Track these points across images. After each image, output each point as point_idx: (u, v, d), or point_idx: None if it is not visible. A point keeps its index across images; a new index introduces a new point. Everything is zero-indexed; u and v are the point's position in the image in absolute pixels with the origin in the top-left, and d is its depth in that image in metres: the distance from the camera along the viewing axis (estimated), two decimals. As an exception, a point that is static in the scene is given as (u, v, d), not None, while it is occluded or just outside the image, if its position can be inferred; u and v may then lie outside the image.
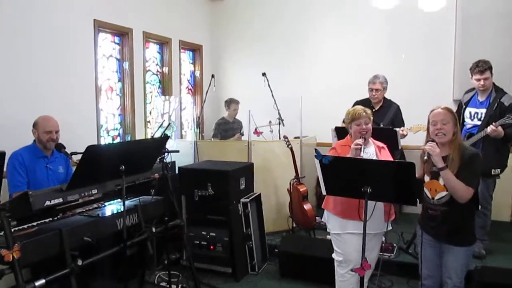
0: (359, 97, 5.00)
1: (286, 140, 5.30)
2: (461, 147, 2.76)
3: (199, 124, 6.51)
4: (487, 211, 4.32)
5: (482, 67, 4.18)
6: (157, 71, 6.54)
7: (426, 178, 2.84)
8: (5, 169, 3.24)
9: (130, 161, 2.91)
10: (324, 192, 2.86)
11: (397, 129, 4.37)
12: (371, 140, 3.31)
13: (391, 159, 3.28)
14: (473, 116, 4.32)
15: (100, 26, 5.32)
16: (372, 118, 3.27)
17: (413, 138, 4.40)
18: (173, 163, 4.96)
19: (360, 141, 3.08)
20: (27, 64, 4.41)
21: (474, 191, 2.68)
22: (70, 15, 4.86)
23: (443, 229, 2.79)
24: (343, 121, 3.57)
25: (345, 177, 2.67)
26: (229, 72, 7.46)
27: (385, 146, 3.36)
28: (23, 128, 3.83)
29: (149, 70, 6.31)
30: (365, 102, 4.93)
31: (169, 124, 5.05)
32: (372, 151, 3.27)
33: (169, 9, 6.45)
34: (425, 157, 2.77)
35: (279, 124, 6.00)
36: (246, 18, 7.25)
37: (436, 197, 2.79)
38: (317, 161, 2.73)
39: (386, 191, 2.59)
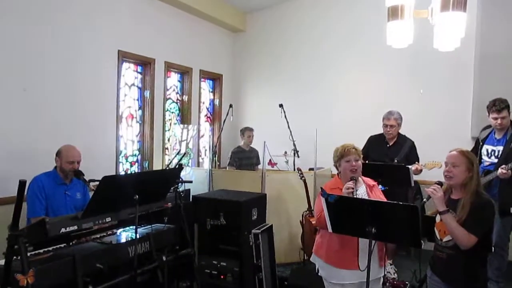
0: (374, 131, 5.03)
1: (299, 172, 5.33)
2: (477, 194, 2.68)
3: (216, 152, 6.66)
4: (504, 252, 4.21)
5: (499, 106, 4.17)
6: (177, 99, 6.66)
7: (438, 218, 2.78)
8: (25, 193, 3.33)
9: (144, 191, 2.93)
10: (330, 230, 2.86)
11: (410, 166, 4.35)
12: (361, 178, 3.23)
13: (382, 197, 3.19)
14: (490, 153, 4.26)
15: (124, 56, 5.47)
16: (361, 155, 3.21)
17: (431, 173, 4.36)
18: (188, 191, 5.00)
19: (351, 184, 2.99)
20: (50, 92, 4.50)
21: (479, 239, 2.59)
22: (96, 45, 4.99)
23: (449, 273, 2.71)
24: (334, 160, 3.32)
25: (349, 216, 2.68)
26: (247, 102, 7.61)
27: (375, 183, 3.28)
28: (45, 156, 3.93)
29: (169, 98, 6.43)
30: (379, 138, 4.95)
31: (186, 152, 5.12)
32: (363, 190, 3.17)
33: (191, 40, 6.58)
34: (425, 200, 2.77)
35: (294, 155, 6.06)
36: (266, 50, 7.40)
37: (444, 239, 2.75)
38: (323, 199, 2.76)
39: (391, 232, 2.57)
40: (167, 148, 6.27)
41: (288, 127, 6.00)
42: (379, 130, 4.99)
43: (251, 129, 6.33)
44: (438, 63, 5.96)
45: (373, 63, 6.45)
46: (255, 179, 5.35)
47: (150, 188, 3.09)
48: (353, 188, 2.94)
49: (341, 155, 3.14)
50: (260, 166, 6.11)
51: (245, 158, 6.30)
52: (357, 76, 6.62)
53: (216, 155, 6.63)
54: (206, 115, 7.40)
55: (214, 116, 7.51)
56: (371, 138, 4.98)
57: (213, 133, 7.30)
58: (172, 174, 3.52)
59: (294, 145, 6.02)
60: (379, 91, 6.41)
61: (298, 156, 6.03)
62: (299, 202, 5.26)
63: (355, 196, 2.90)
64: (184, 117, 6.66)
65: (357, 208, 2.66)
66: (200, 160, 6.95)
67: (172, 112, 6.56)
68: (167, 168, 5.11)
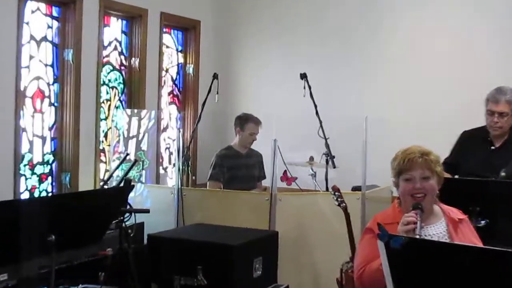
0: (471, 123, 5.03)
1: (336, 193, 5.07)
2: None
3: (189, 157, 6.51)
4: None
5: None
6: (121, 64, 6.69)
7: None
8: None
9: (66, 227, 2.96)
10: (391, 300, 2.68)
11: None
12: (438, 208, 3.28)
13: (478, 241, 3.22)
14: None
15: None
16: (435, 168, 3.18)
17: None
18: (141, 225, 4.99)
19: (411, 216, 3.00)
20: None
21: None
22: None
23: None
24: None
25: (431, 275, 2.47)
26: (243, 72, 7.66)
27: (464, 217, 3.33)
28: None
29: (107, 63, 6.46)
30: (478, 134, 4.89)
31: (137, 157, 5.12)
32: (442, 230, 3.22)
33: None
34: None
35: (327, 163, 5.89)
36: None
37: None
38: (381, 244, 2.54)
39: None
40: (103, 152, 6.33)
41: (317, 113, 5.89)
42: (478, 120, 4.94)
43: (257, 121, 6.29)
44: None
45: (468, 5, 6.56)
46: (258, 204, 5.32)
47: (75, 223, 3.08)
48: (415, 223, 2.95)
49: (400, 169, 3.20)
50: (267, 182, 6.00)
51: (241, 168, 6.30)
52: (440, 26, 6.68)
53: (190, 163, 6.56)
54: (171, 92, 7.48)
55: (186, 94, 7.59)
56: (464, 135, 4.96)
57: (184, 124, 7.35)
58: (113, 198, 3.52)
59: (327, 146, 5.89)
60: (479, 52, 6.40)
61: (334, 166, 5.92)
62: (335, 246, 5.19)
63: (420, 236, 2.89)
64: (133, 96, 6.70)
65: (444, 261, 2.45)
66: (162, 172, 6.98)
67: (113, 88, 6.64)
68: (105, 186, 5.10)
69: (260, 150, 6.48)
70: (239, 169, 6.32)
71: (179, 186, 5.64)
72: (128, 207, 3.92)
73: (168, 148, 7.35)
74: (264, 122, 6.40)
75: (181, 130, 6.68)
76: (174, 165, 6.69)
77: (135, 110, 6.68)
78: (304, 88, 6.02)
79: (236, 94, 7.77)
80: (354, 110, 6.32)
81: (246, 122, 6.32)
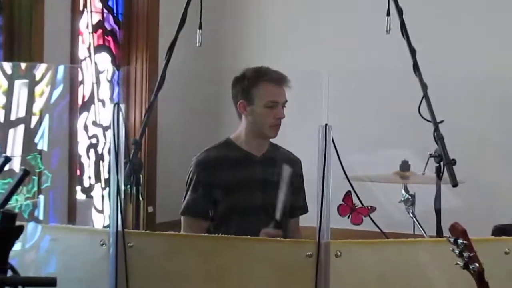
0: None
1: (459, 241, 3.10)
2: None
3: (140, 166, 4.17)
4: None
5: None
6: None
7: None
8: None
9: None
10: None
11: None
12: None
13: None
14: None
15: None
16: None
17: None
18: None
19: None
20: None
21: None
22: None
23: None
24: None
25: None
26: None
27: None
28: None
29: None
30: None
31: (25, 172, 2.82)
32: None
33: None
34: None
35: (439, 176, 3.70)
36: None
37: None
38: None
39: None
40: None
41: (416, 70, 3.84)
42: None
43: (279, 79, 4.15)
44: None
45: None
46: (290, 265, 3.29)
47: None
48: None
49: None
50: (309, 219, 3.95)
51: (252, 187, 4.26)
52: None
53: (142, 178, 5.20)
54: (99, 25, 6.04)
55: (132, 30, 6.20)
56: None
57: (129, 95, 5.99)
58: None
59: (440, 140, 3.69)
60: None
61: (455, 182, 3.75)
62: None
63: None
64: (16, 37, 5.31)
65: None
66: (80, 198, 5.63)
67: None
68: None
69: (296, 149, 4.32)
70: (247, 190, 4.14)
71: (118, 229, 3.30)
72: (9, 273, 2.37)
73: (94, 147, 5.66)
74: (302, 87, 4.57)
75: (122, 107, 3.43)
76: (106, 182, 5.95)
77: (22, 65, 5.14)
78: (387, 22, 3.91)
79: (241, 34, 6.58)
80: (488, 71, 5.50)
81: (255, 83, 4.15)
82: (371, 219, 3.28)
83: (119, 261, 2.99)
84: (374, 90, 5.87)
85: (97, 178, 5.80)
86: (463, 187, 3.59)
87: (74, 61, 5.44)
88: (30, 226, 3.25)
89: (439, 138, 3.30)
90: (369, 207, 3.33)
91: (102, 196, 5.79)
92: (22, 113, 5.08)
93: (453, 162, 3.44)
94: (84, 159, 5.72)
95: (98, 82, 5.94)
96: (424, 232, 4.30)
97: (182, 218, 4.07)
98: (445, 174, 3.26)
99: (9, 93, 4.98)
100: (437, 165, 3.31)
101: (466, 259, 2.69)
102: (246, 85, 4.09)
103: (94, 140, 5.81)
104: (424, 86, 3.40)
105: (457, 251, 2.70)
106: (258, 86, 4.04)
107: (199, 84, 6.40)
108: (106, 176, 5.79)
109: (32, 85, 5.14)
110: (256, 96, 4.00)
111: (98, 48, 5.93)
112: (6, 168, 3.61)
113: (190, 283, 3.33)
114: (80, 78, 5.60)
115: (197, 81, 6.37)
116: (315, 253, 2.92)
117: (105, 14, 6.17)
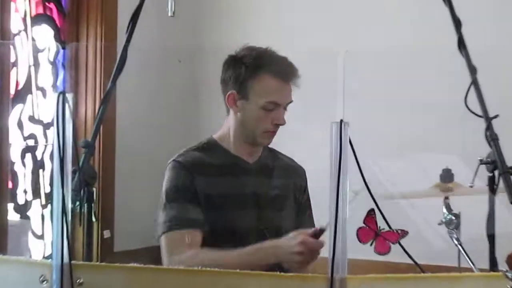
0: None
1: None
2: None
3: (94, 176, 3.08)
4: None
5: None
6: None
7: None
8: None
9: None
10: None
11: None
12: None
13: None
14: None
15: None
16: None
17: None
18: None
19: None
20: None
21: None
22: None
23: None
24: None
25: None
26: None
27: None
28: None
29: None
30: None
31: None
32: None
33: None
34: None
35: (493, 190, 3.00)
36: None
37: None
38: None
39: None
40: None
41: (461, 47, 3.15)
42: None
43: (284, 70, 3.91)
44: None
45: None
46: None
47: None
48: None
49: None
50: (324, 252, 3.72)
51: (243, 203, 3.91)
52: None
53: (96, 192, 2.94)
54: None
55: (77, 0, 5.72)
56: None
57: (78, 83, 5.57)
58: None
59: (495, 142, 3.06)
60: None
61: None
62: None
63: None
64: None
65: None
66: (13, 220, 5.19)
67: None
68: None
69: (299, 154, 4.13)
70: (237, 207, 3.76)
71: (64, 260, 2.34)
72: None
73: (32, 151, 5.19)
74: (308, 70, 3.96)
75: (68, 98, 2.63)
76: (47, 198, 5.50)
77: None
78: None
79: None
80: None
81: (255, 73, 3.67)
82: (401, 246, 2.87)
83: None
84: (401, 76, 5.18)
85: (36, 192, 5.23)
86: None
87: (4, 36, 4.74)
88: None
89: (492, 138, 2.70)
90: (399, 231, 3.14)
91: (42, 217, 5.21)
92: None
93: (510, 171, 3.29)
94: (18, 167, 5.11)
95: (36, 64, 5.29)
96: (472, 264, 3.83)
97: (163, 237, 3.36)
98: (501, 186, 2.62)
99: None
100: (490, 174, 2.70)
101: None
102: (242, 73, 3.55)
103: (31, 142, 5.25)
104: (472, 70, 2.72)
105: (514, 289, 2.69)
106: (257, 78, 3.51)
107: (171, 67, 5.87)
108: (48, 190, 5.24)
109: None
110: (252, 91, 3.46)
111: (36, 19, 5.30)
112: None
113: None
114: (12, 59, 4.89)
115: (169, 62, 5.88)
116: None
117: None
